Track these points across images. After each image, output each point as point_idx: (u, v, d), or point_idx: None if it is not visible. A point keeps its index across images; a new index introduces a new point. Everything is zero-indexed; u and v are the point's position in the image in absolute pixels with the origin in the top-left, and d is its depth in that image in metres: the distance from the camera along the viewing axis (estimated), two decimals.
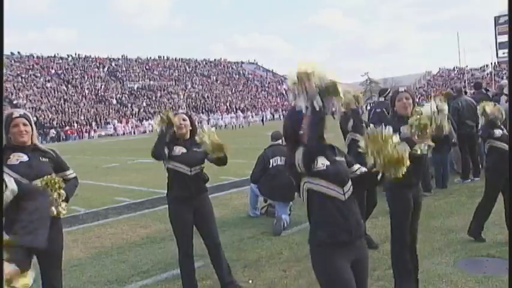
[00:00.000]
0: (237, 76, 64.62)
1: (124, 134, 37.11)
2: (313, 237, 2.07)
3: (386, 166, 2.04)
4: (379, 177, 2.11)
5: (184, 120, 3.35)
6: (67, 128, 36.07)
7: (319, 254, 2.04)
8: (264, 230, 5.11)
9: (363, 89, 66.81)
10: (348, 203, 2.04)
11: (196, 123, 3.52)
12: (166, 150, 3.29)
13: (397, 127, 3.01)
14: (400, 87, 3.32)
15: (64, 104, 40.93)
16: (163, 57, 62.43)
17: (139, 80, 51.47)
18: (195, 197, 3.32)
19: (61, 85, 44.90)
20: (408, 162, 2.07)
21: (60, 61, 50.11)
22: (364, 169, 2.17)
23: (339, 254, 2.00)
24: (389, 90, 7.21)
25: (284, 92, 62.14)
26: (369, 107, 9.20)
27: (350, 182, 2.09)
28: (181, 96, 50.83)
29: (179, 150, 3.29)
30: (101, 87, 46.51)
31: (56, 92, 43.03)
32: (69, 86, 45.41)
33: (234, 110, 46.95)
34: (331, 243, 2.00)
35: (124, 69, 53.81)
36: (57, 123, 36.37)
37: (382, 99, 6.95)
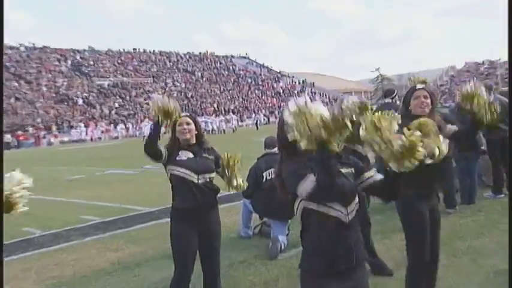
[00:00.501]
0: (226, 72, 64.83)
1: (92, 139, 36.93)
2: (306, 264, 2.07)
3: (393, 157, 1.90)
4: (398, 183, 2.04)
5: (188, 124, 3.37)
6: (19, 132, 35.60)
7: (311, 282, 2.04)
8: (257, 253, 5.09)
9: (374, 88, 67.47)
10: (351, 226, 2.04)
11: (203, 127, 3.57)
12: (164, 150, 3.33)
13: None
14: (418, 84, 3.33)
15: (15, 103, 40.44)
16: (139, 49, 62.52)
17: (110, 77, 51.39)
18: (203, 211, 3.32)
19: (11, 80, 43.94)
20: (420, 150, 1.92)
21: (10, 51, 48.75)
22: (379, 176, 2.14)
23: (334, 285, 2.01)
24: (396, 91, 7.30)
25: (281, 91, 62.52)
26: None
27: (356, 200, 2.08)
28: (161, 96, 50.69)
29: (185, 155, 3.32)
30: (62, 84, 46.26)
31: (5, 89, 42.54)
32: (22, 82, 44.94)
33: (223, 111, 46.97)
34: (327, 271, 2.01)
35: (92, 63, 53.73)
36: (7, 127, 35.91)
37: (388, 100, 7.01)
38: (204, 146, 3.43)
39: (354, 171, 2.13)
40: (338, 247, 2.00)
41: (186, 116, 3.43)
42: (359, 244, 2.08)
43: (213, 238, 3.40)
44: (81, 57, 54.46)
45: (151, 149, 3.30)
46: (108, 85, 49.52)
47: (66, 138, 36.45)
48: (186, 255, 3.29)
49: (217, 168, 3.46)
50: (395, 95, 7.14)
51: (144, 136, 32.50)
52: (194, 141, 3.40)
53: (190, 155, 3.33)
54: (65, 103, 43.31)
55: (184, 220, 3.31)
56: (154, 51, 63.74)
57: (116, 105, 45.49)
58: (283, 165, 2.11)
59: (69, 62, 52.47)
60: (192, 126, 3.38)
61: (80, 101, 44.17)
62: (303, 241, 2.11)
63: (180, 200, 3.33)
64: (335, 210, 2.01)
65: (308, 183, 1.94)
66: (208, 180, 3.36)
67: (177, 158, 3.30)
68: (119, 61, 57.05)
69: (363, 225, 4.30)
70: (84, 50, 56.97)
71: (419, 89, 3.12)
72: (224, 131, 36.93)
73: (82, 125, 38.61)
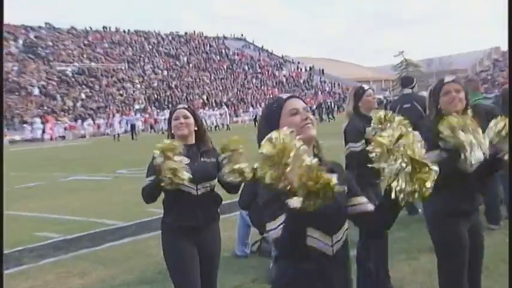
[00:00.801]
0: (218, 57, 64.90)
1: (51, 138, 36.93)
2: None
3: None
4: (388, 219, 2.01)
5: (185, 117, 3.39)
6: None
7: None
8: (255, 276, 5.10)
9: (396, 76, 67.30)
10: (336, 259, 2.01)
11: (204, 123, 3.59)
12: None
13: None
14: (446, 76, 3.33)
15: None
16: (110, 28, 62.55)
17: (74, 61, 51.38)
18: (203, 228, 3.37)
19: None
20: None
21: None
22: (370, 207, 2.09)
23: None
24: (415, 80, 7.33)
25: (284, 80, 62.64)
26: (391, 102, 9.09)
27: (345, 227, 2.04)
28: (138, 86, 50.78)
29: (180, 160, 3.30)
30: (12, 69, 46.15)
31: None
32: None
33: (214, 104, 47.01)
34: None
35: (50, 43, 53.66)
36: None
37: (408, 91, 7.05)
38: (205, 147, 3.44)
39: (347, 189, 2.09)
40: (316, 284, 1.97)
41: (184, 108, 3.45)
42: (346, 281, 2.06)
43: (213, 253, 3.46)
44: (36, 36, 54.37)
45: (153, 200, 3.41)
46: (72, 72, 49.53)
47: (17, 137, 36.30)
48: (191, 274, 3.32)
49: (218, 173, 3.49)
50: (414, 84, 7.18)
51: (115, 135, 32.69)
52: (193, 141, 3.42)
53: (186, 161, 3.31)
54: (16, 93, 43.14)
55: (179, 234, 3.35)
56: (129, 30, 63.80)
57: (82, 96, 45.51)
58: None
59: (21, 41, 52.36)
60: (191, 120, 3.40)
61: (36, 91, 44.10)
62: (274, 271, 2.11)
63: (175, 216, 3.36)
64: (317, 241, 1.96)
65: (276, 230, 1.89)
66: (209, 189, 3.39)
67: None
68: (85, 42, 57.05)
69: (376, 237, 4.28)
70: (40, 27, 56.85)
71: (448, 82, 3.16)
72: (218, 127, 36.96)
73: (39, 120, 38.55)
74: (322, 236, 1.96)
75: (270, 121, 2.07)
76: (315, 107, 43.39)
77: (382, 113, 4.09)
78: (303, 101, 2.12)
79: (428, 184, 1.84)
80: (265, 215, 1.94)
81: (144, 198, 3.39)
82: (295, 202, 1.66)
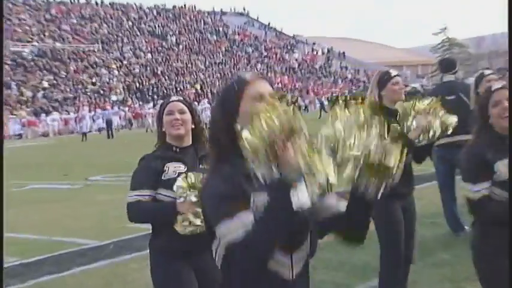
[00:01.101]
0: (214, 37, 64.91)
1: (5, 137, 36.97)
2: None
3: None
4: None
5: (181, 112, 3.39)
6: None
7: None
8: None
9: (437, 58, 66.92)
10: (297, 285, 1.98)
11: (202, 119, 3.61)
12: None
13: (496, 155, 3.01)
14: (495, 82, 3.31)
15: None
16: (78, 0, 62.51)
17: (33, 41, 51.44)
18: (203, 251, 3.34)
19: None
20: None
21: None
22: (342, 206, 2.02)
23: None
24: (458, 65, 7.27)
25: (296, 66, 62.63)
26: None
27: (307, 243, 2.02)
28: (115, 72, 50.81)
29: (174, 168, 3.32)
30: None
31: None
32: None
33: (210, 95, 47.01)
34: None
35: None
36: None
37: (450, 77, 6.90)
38: (205, 151, 3.38)
39: None
40: None
41: (178, 100, 3.45)
42: None
43: (214, 280, 3.43)
44: None
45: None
46: (31, 53, 49.55)
47: None
48: None
49: None
50: (457, 69, 7.15)
51: (84, 133, 32.66)
52: (190, 142, 3.42)
53: (182, 168, 3.32)
54: None
55: (174, 256, 3.36)
56: (103, 2, 63.84)
57: (45, 84, 45.58)
58: (210, 175, 2.02)
59: None
60: (188, 116, 3.39)
61: None
62: None
63: (168, 237, 3.35)
64: (272, 261, 1.91)
65: (237, 230, 1.81)
66: None
67: (163, 177, 3.31)
68: (48, 17, 57.14)
69: (395, 263, 4.27)
70: None
71: (498, 89, 3.08)
72: None
73: None
74: (279, 253, 1.91)
75: (227, 106, 2.00)
76: (326, 102, 43.14)
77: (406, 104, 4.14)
78: (271, 85, 2.06)
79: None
80: (216, 213, 1.87)
81: (131, 217, 3.40)
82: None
